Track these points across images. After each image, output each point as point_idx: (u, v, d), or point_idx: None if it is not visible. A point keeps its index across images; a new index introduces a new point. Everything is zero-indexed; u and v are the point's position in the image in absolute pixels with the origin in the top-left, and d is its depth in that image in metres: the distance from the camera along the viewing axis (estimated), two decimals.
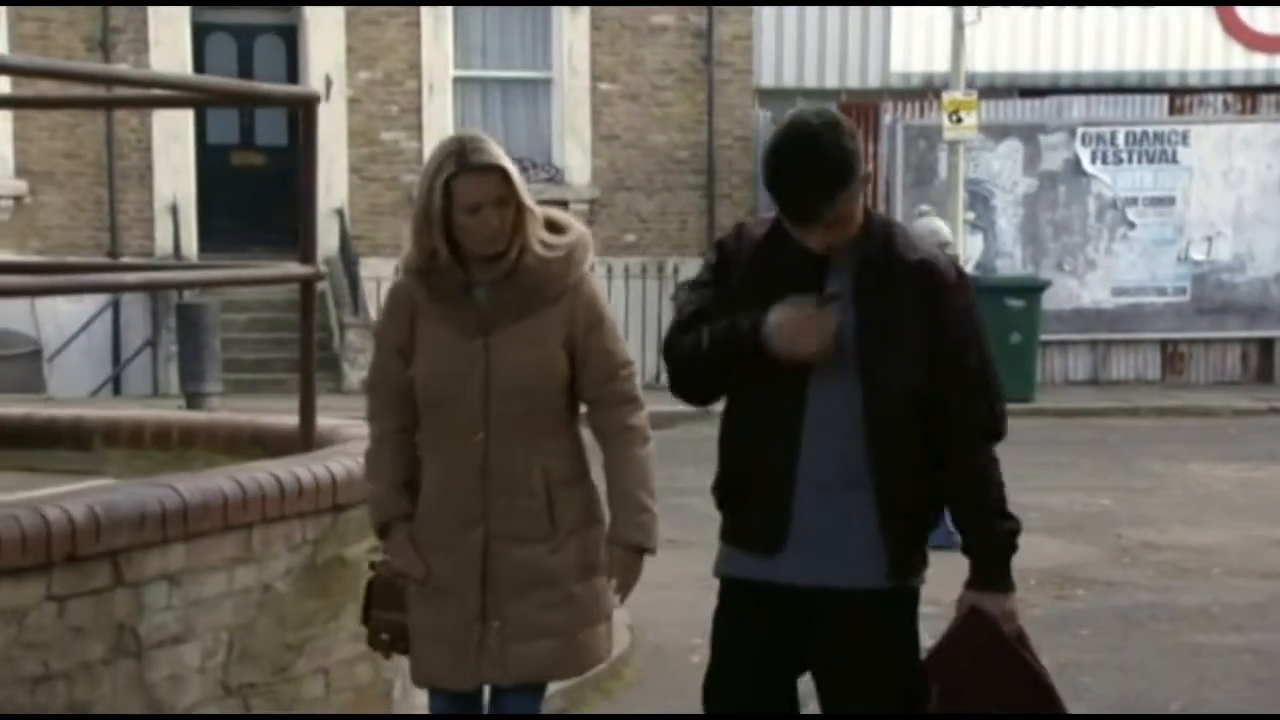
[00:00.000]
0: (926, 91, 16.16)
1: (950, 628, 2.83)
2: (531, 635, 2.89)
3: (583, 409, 3.02)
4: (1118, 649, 5.74)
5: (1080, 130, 13.97)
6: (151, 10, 14.12)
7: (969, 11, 13.09)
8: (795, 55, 16.88)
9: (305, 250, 3.95)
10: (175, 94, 4.07)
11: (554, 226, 2.95)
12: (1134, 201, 14.05)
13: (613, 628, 3.06)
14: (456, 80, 14.85)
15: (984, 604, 2.78)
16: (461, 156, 2.84)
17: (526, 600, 2.89)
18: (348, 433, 4.09)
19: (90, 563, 3.01)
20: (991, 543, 2.77)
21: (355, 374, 12.83)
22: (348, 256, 13.95)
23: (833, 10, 17.04)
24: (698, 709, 2.94)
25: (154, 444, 4.24)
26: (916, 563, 2.84)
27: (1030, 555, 7.22)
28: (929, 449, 2.77)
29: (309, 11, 14.49)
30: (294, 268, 4.03)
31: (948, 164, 13.32)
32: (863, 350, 2.72)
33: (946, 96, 13.03)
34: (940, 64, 16.14)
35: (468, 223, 2.83)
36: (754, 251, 2.78)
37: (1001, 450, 2.84)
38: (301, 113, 3.94)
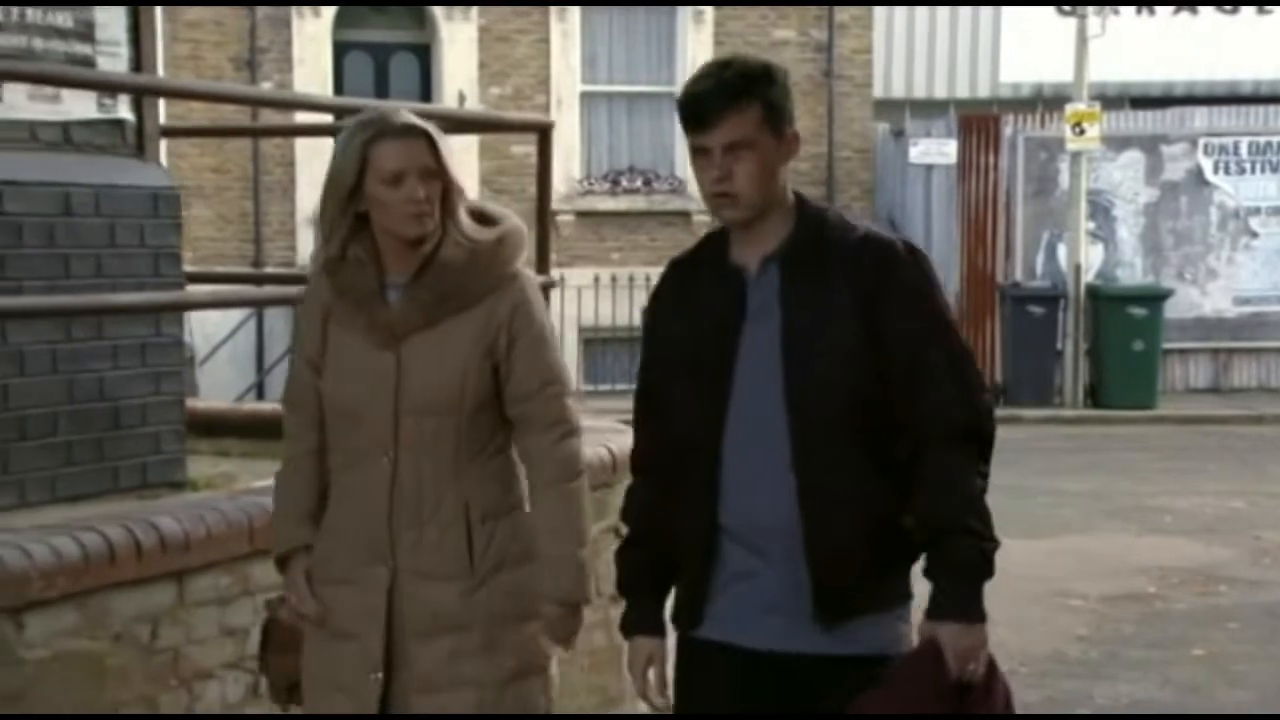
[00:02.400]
0: (1036, 101, 16.35)
1: (895, 665, 2.29)
2: (443, 686, 2.49)
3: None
4: (1268, 641, 5.99)
5: (1203, 141, 14.10)
6: (295, 30, 14.80)
7: (1093, 24, 13.29)
8: (904, 66, 17.17)
9: (541, 261, 4.39)
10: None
11: (481, 218, 2.57)
12: (1257, 211, 14.14)
13: (551, 679, 2.63)
14: (583, 94, 15.36)
15: (941, 636, 2.25)
16: (382, 121, 2.49)
17: (437, 646, 2.49)
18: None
19: None
20: (954, 559, 2.25)
21: None
22: None
23: (943, 21, 17.30)
24: None
25: None
26: (873, 626, 2.31)
27: (1170, 555, 7.59)
28: (889, 474, 2.28)
29: (444, 30, 15.08)
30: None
31: (1069, 175, 13.52)
32: (786, 369, 2.26)
33: (1069, 109, 13.24)
34: (1050, 74, 16.32)
35: (389, 197, 2.44)
36: (678, 276, 2.44)
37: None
38: (538, 137, 4.39)
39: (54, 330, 3.82)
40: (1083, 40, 13.39)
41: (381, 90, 15.18)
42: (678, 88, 16.35)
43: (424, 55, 15.45)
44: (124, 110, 4.05)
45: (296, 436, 2.61)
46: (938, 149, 13.83)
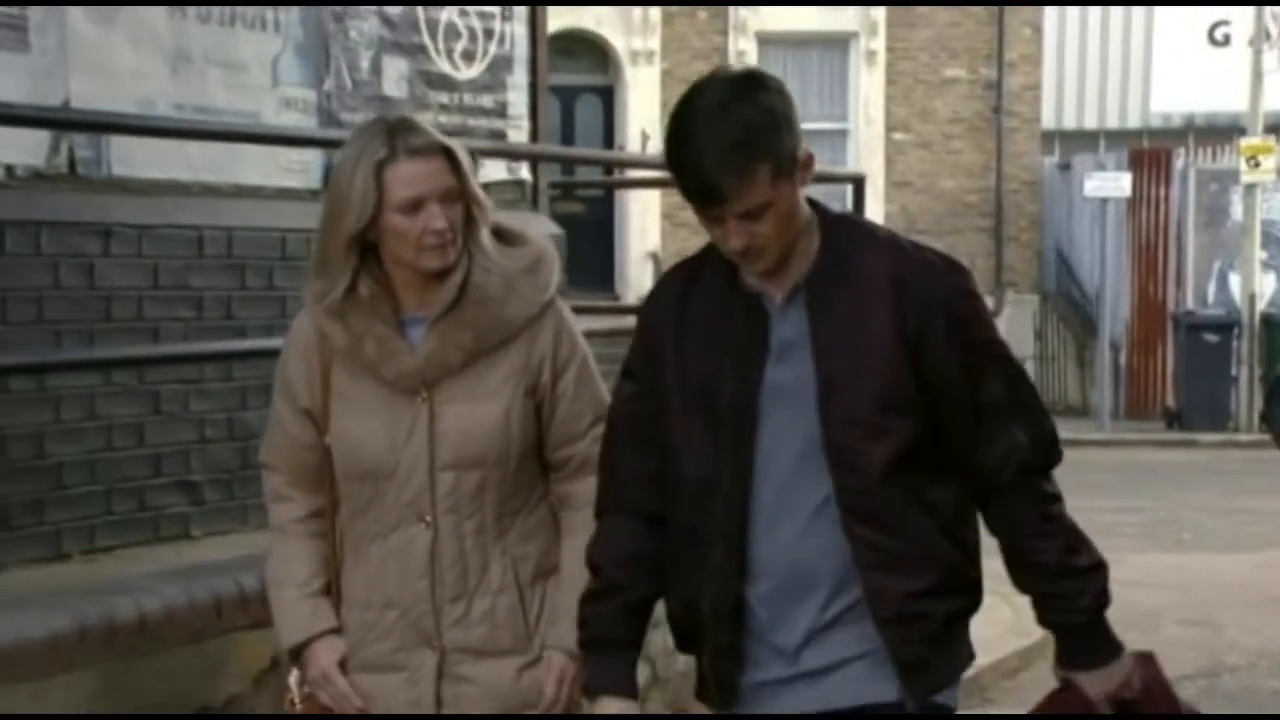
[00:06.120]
0: (1187, 132, 16.70)
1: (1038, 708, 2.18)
2: None
3: None
4: None
5: None
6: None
7: (1269, 60, 13.72)
8: (1054, 97, 17.62)
9: None
10: None
11: (506, 237, 2.25)
12: None
13: None
14: None
15: (1082, 684, 2.11)
16: (394, 137, 2.14)
17: None
18: None
19: None
20: (1074, 605, 2.08)
21: None
22: None
23: (1093, 52, 17.75)
24: None
25: None
26: (943, 671, 2.09)
27: None
28: (944, 510, 2.05)
29: (628, 73, 15.99)
30: None
31: (1242, 206, 13.92)
32: (824, 417, 2.00)
33: (1244, 142, 13.67)
34: (1201, 104, 16.65)
35: (406, 227, 2.12)
36: (681, 289, 2.11)
37: None
38: (852, 186, 5.15)
39: None
40: (1258, 75, 13.80)
41: (568, 130, 16.12)
42: (850, 124, 17.09)
43: (608, 97, 16.37)
44: (524, 172, 4.90)
45: (290, 500, 2.30)
46: (1113, 182, 14.31)
